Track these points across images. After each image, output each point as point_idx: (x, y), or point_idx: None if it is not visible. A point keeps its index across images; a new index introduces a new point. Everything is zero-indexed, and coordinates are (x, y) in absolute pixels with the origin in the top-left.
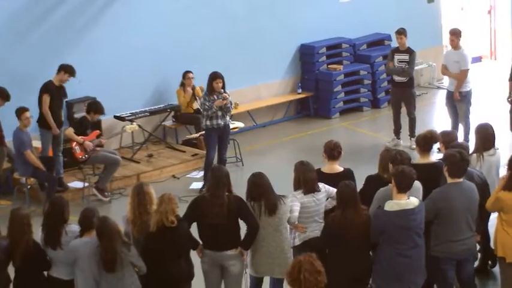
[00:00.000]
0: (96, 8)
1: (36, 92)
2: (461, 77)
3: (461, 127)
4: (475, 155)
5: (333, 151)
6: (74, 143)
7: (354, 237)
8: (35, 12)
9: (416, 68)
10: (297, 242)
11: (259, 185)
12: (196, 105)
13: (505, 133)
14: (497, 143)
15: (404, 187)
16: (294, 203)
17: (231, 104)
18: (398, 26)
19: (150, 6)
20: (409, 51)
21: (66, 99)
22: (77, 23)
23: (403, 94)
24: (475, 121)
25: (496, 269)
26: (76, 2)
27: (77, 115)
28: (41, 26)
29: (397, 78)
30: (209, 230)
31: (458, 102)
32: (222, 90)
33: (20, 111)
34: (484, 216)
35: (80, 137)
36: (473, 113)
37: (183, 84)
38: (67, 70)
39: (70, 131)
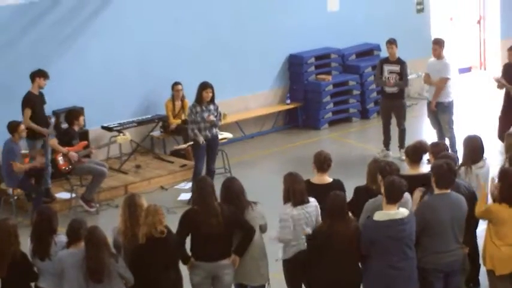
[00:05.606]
0: (83, 18)
1: None
2: (440, 84)
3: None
4: (463, 168)
5: (323, 164)
6: (59, 154)
7: (341, 247)
8: (21, 22)
9: None
10: (290, 255)
11: (229, 189)
12: (184, 116)
13: (493, 143)
14: (486, 153)
15: (394, 198)
16: (286, 223)
17: (220, 116)
18: (388, 36)
19: (137, 16)
20: (400, 62)
21: (53, 110)
22: (64, 33)
23: (393, 105)
24: (463, 131)
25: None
26: (62, 12)
27: (64, 125)
28: (27, 36)
29: (388, 89)
30: (204, 241)
31: (441, 114)
32: (212, 103)
33: (16, 125)
34: (471, 228)
35: (66, 148)
36: (463, 123)
37: (172, 96)
38: (42, 74)
39: (54, 142)
